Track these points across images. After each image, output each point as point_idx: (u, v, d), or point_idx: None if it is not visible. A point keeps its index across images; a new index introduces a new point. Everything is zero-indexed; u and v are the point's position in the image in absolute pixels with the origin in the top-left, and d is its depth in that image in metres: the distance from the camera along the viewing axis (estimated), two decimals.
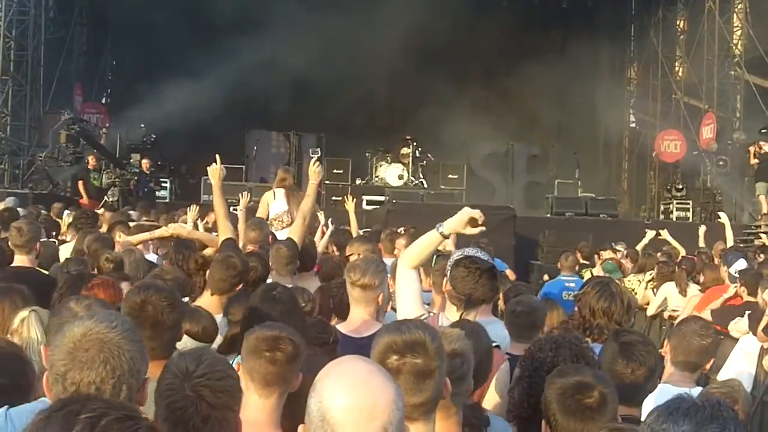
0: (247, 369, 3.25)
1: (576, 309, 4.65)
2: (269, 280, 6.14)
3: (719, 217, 14.07)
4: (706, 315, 8.17)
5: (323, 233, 9.07)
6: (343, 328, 4.63)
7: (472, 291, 4.24)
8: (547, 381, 3.12)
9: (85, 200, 17.99)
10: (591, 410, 2.96)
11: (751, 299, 8.03)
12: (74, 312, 3.41)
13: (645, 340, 3.76)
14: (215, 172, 7.69)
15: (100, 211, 12.97)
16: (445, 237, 4.24)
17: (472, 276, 4.23)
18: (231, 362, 3.30)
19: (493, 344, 4.24)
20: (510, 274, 10.41)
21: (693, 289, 10.19)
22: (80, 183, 18.79)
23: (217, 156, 7.73)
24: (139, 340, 2.58)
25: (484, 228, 4.17)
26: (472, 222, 4.12)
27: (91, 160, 19.06)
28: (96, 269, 6.22)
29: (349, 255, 7.49)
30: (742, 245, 14.32)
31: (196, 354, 2.89)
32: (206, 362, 2.80)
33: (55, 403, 2.09)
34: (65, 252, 8.00)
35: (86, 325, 2.50)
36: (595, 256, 13.38)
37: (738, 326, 7.90)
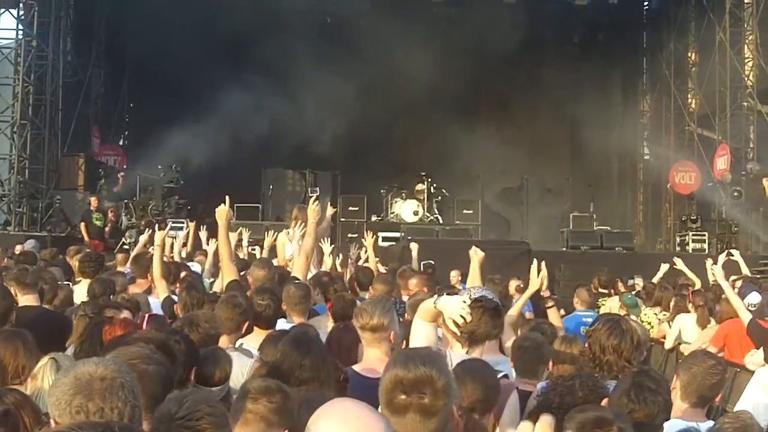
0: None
1: (587, 345, 4.75)
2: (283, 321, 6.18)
3: (732, 255, 14.03)
4: (745, 317, 8.15)
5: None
6: (357, 367, 4.70)
7: (475, 328, 4.35)
8: (567, 417, 3.20)
9: (87, 241, 18.23)
10: None
11: None
12: None
13: (657, 386, 3.82)
14: (223, 212, 7.60)
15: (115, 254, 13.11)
16: (437, 311, 4.34)
17: (476, 314, 4.33)
18: None
19: (500, 374, 4.34)
20: (529, 315, 10.39)
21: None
22: (82, 225, 19.06)
23: (227, 197, 7.70)
24: (133, 383, 2.67)
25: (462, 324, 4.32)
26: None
27: (93, 202, 19.37)
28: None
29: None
30: (759, 276, 14.29)
31: (179, 397, 3.01)
32: (187, 404, 2.90)
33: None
34: (78, 295, 7.97)
35: (103, 363, 2.64)
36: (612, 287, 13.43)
37: (754, 359, 7.87)
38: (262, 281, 7.16)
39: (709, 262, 10.42)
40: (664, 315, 11.22)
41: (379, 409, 2.75)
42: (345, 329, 5.58)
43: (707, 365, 4.54)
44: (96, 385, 2.54)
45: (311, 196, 9.67)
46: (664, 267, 13.77)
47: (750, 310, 8.65)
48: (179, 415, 2.86)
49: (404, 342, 5.25)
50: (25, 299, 6.64)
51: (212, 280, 9.14)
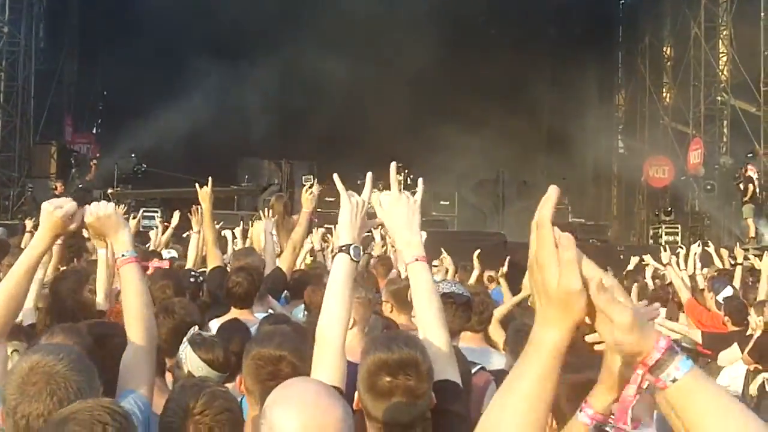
0: (248, 390, 3.30)
1: None
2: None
3: (708, 245, 14.16)
4: (696, 335, 8.18)
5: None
6: None
7: (450, 324, 4.30)
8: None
9: None
10: None
11: (736, 328, 7.98)
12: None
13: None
14: (206, 195, 7.43)
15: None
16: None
17: (449, 310, 4.31)
18: None
19: (478, 366, 4.32)
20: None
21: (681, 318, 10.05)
22: None
23: (210, 179, 7.44)
24: (87, 371, 2.60)
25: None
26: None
27: (59, 187, 19.15)
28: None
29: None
30: (732, 267, 14.38)
31: (195, 389, 2.93)
32: (205, 397, 2.84)
33: None
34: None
35: (33, 359, 2.56)
36: None
37: (727, 356, 7.86)
38: None
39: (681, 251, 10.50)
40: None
41: (356, 395, 2.70)
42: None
43: None
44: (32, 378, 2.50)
45: (305, 184, 9.48)
46: (634, 260, 13.88)
47: (721, 304, 8.68)
48: (197, 410, 2.80)
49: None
50: None
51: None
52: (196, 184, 7.66)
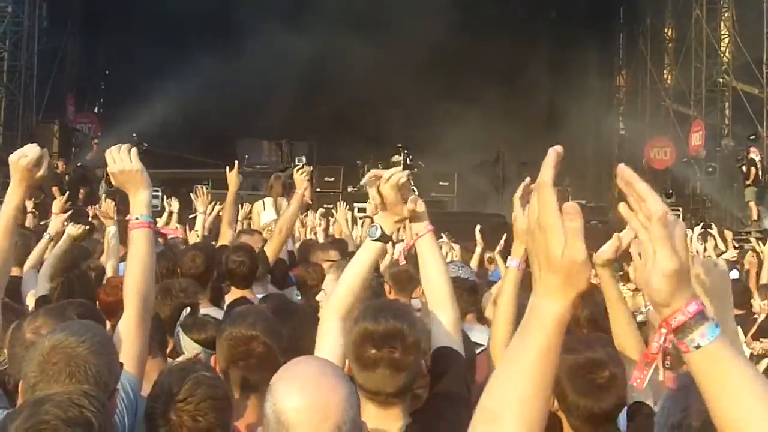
0: (222, 371, 3.29)
1: None
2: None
3: (711, 227, 14.16)
4: None
5: None
6: None
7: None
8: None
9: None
10: (602, 389, 2.94)
11: (738, 311, 7.97)
12: (24, 335, 3.29)
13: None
14: (234, 178, 7.76)
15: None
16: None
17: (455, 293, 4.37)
18: None
19: (482, 348, 4.39)
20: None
21: None
22: (55, 189, 18.85)
23: (236, 162, 7.84)
24: (108, 353, 2.63)
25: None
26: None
27: (60, 165, 19.18)
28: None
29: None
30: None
31: (180, 374, 2.87)
32: (188, 383, 2.79)
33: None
34: None
35: (56, 338, 2.58)
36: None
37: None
38: None
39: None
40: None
41: (347, 363, 2.76)
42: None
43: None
44: (53, 358, 2.54)
45: (297, 165, 9.47)
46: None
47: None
48: (180, 397, 2.75)
49: None
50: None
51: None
52: (227, 168, 7.97)
